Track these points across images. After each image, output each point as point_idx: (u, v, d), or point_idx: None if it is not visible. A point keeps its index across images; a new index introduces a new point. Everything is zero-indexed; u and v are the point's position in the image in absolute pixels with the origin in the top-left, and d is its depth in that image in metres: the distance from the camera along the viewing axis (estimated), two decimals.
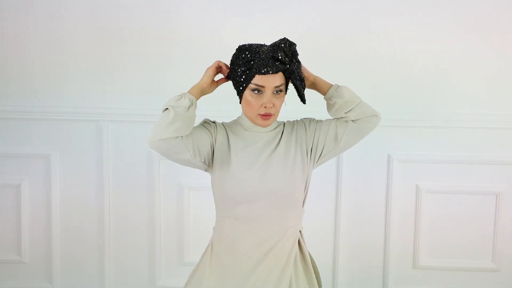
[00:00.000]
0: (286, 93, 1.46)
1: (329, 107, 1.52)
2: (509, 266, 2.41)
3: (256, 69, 1.37)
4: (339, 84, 1.51)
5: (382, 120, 2.25)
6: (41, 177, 2.41)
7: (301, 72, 1.44)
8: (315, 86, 1.53)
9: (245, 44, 1.43)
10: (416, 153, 2.35)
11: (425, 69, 2.31)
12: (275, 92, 1.40)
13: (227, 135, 1.49)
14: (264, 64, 1.36)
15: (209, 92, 1.48)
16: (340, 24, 2.29)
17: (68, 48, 2.34)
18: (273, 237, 1.45)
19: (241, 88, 1.41)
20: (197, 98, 1.43)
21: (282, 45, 1.38)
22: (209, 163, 1.47)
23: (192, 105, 1.39)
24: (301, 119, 1.56)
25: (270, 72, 1.37)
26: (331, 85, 1.51)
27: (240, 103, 1.48)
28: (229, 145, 1.47)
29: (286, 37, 1.40)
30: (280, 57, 1.37)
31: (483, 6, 2.27)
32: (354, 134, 1.48)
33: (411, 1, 2.28)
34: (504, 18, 2.27)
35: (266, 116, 1.42)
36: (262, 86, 1.39)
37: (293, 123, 1.54)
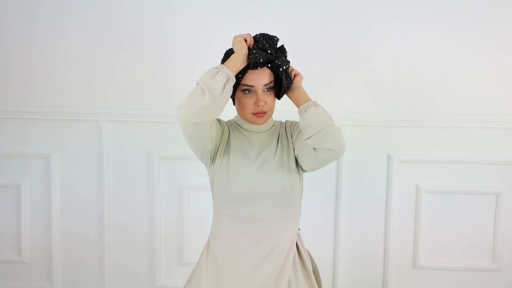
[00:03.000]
0: (275, 90, 1.47)
1: None
2: (509, 266, 2.41)
3: (244, 68, 1.38)
4: (315, 102, 1.40)
5: (382, 120, 2.30)
6: (41, 177, 2.41)
7: (288, 70, 1.42)
8: (293, 95, 1.45)
9: (230, 48, 1.44)
10: (416, 153, 2.35)
11: (425, 69, 2.31)
12: (265, 90, 1.41)
13: (229, 133, 1.50)
14: (252, 58, 1.35)
15: (245, 63, 1.37)
16: (340, 25, 2.29)
17: (68, 48, 2.34)
18: (271, 238, 1.45)
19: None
20: (235, 71, 1.34)
21: (262, 38, 1.38)
22: (212, 158, 1.48)
23: (228, 81, 1.31)
24: (295, 122, 1.55)
25: (259, 65, 1.36)
26: (307, 101, 1.41)
27: (234, 104, 1.49)
28: (230, 145, 1.48)
29: (265, 32, 1.41)
30: (265, 48, 1.37)
31: (483, 6, 2.27)
32: (313, 162, 1.39)
33: (411, 2, 2.28)
34: (503, 18, 2.27)
35: (260, 114, 1.43)
36: (252, 86, 1.40)
37: (289, 124, 1.55)
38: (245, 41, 1.38)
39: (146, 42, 2.32)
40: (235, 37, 1.38)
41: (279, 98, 1.50)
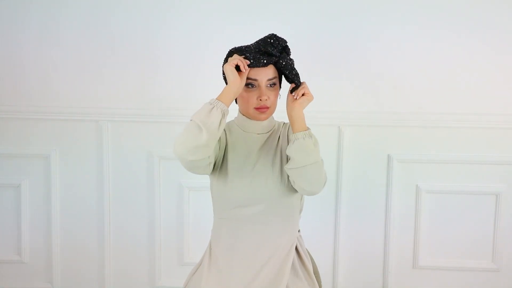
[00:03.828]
0: (280, 87, 1.46)
1: None
2: (509, 266, 2.41)
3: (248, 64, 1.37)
4: (308, 135, 1.35)
5: (382, 120, 2.30)
6: (41, 177, 2.41)
7: (294, 66, 1.41)
8: (290, 117, 1.40)
9: (234, 47, 1.44)
10: (416, 153, 2.35)
11: (425, 69, 2.31)
12: (269, 85, 1.40)
13: (226, 138, 1.49)
14: (257, 58, 1.36)
15: (240, 90, 1.36)
16: (340, 25, 2.29)
17: (68, 48, 2.34)
18: (271, 242, 1.45)
19: None
20: (229, 104, 1.33)
21: (270, 40, 1.38)
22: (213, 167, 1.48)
23: (223, 116, 1.30)
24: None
25: (260, 65, 1.36)
26: (303, 129, 1.36)
27: (236, 102, 1.48)
28: (227, 150, 1.47)
29: (274, 33, 1.40)
30: (269, 50, 1.37)
31: (483, 8, 2.27)
32: (294, 187, 1.40)
33: (411, 3, 2.28)
34: (503, 19, 2.27)
35: (262, 109, 1.41)
36: (255, 80, 1.39)
37: (289, 129, 1.52)
38: (238, 65, 1.35)
39: (146, 42, 2.32)
40: (225, 66, 1.35)
41: (290, 82, 1.44)
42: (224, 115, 1.30)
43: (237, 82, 1.34)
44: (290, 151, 1.35)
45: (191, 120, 1.30)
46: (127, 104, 2.34)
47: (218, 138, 1.32)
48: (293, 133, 1.37)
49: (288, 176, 1.43)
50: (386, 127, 2.33)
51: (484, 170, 2.35)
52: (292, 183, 1.40)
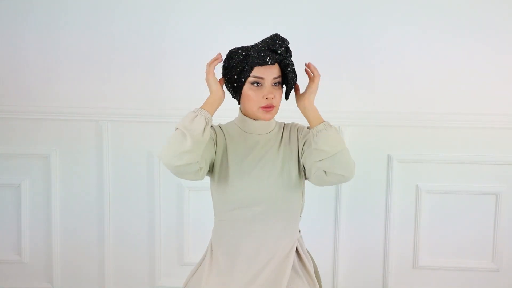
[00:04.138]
0: (282, 87, 1.46)
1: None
2: (509, 266, 2.41)
3: (254, 62, 1.37)
4: (327, 125, 1.38)
5: (382, 120, 2.30)
6: (41, 177, 2.41)
7: (294, 68, 1.43)
8: (304, 112, 1.43)
9: (235, 47, 1.44)
10: (416, 153, 2.35)
11: (425, 69, 2.31)
12: (273, 84, 1.41)
13: (225, 140, 1.48)
14: (262, 55, 1.37)
15: (223, 99, 1.41)
16: (341, 25, 2.29)
17: (68, 48, 2.34)
18: (271, 243, 1.45)
19: (240, 83, 1.41)
20: (213, 113, 1.37)
21: (275, 38, 1.39)
22: (210, 169, 1.47)
23: (207, 124, 1.33)
24: (304, 129, 1.52)
25: (269, 62, 1.37)
26: (321, 121, 1.39)
27: (238, 103, 1.48)
28: (227, 150, 1.47)
29: (278, 33, 1.41)
30: (276, 48, 1.38)
31: (482, 7, 2.27)
32: (321, 181, 1.40)
33: (411, 4, 2.28)
34: (503, 19, 2.27)
35: (268, 108, 1.41)
36: (261, 78, 1.39)
37: (295, 129, 1.52)
38: (215, 61, 1.40)
39: (146, 42, 2.32)
40: (206, 77, 1.39)
41: (286, 98, 1.49)
42: (207, 122, 1.33)
43: (219, 91, 1.38)
44: (317, 144, 1.35)
45: (176, 128, 1.33)
46: (127, 104, 2.34)
47: (204, 145, 1.34)
48: (311, 127, 1.39)
49: (296, 175, 1.44)
50: (386, 127, 2.33)
51: (484, 170, 2.35)
52: (321, 178, 1.38)
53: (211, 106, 1.37)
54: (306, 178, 1.48)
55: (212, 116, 1.36)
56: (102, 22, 2.32)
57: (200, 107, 1.35)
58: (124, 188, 2.40)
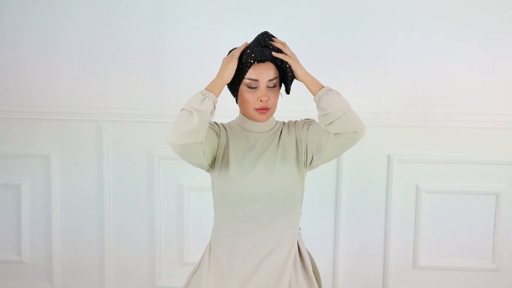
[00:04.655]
0: (280, 87, 1.46)
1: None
2: (509, 266, 2.41)
3: (249, 61, 1.38)
4: (328, 89, 1.38)
5: (382, 120, 2.30)
6: (41, 177, 2.41)
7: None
8: (304, 82, 1.43)
9: (235, 47, 1.46)
10: (416, 153, 2.35)
11: (425, 70, 2.31)
12: (269, 86, 1.41)
13: (227, 136, 1.49)
14: (255, 52, 1.38)
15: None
16: (341, 25, 2.29)
17: (68, 48, 2.34)
18: (273, 237, 1.45)
19: (235, 83, 1.42)
20: (218, 95, 1.37)
21: (265, 35, 1.41)
22: (212, 164, 1.48)
23: (215, 108, 1.34)
24: (300, 120, 1.54)
25: (262, 58, 1.38)
26: (321, 88, 1.39)
27: (237, 103, 1.49)
28: (229, 147, 1.47)
29: (267, 30, 1.43)
30: (269, 44, 1.39)
31: (482, 8, 2.27)
32: (335, 147, 1.38)
33: (412, 3, 2.28)
34: (503, 19, 2.27)
35: (263, 110, 1.41)
36: (256, 80, 1.39)
37: (293, 124, 1.54)
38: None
39: (146, 42, 2.32)
40: (228, 61, 1.40)
41: (288, 93, 1.48)
42: (215, 106, 1.35)
43: (229, 80, 1.39)
44: (321, 110, 1.35)
45: (182, 109, 1.33)
46: (127, 104, 2.34)
47: (208, 124, 1.34)
48: (314, 95, 1.38)
49: (294, 171, 1.44)
50: (386, 127, 2.33)
51: (484, 170, 2.35)
52: (334, 142, 1.36)
53: (218, 89, 1.36)
54: (312, 164, 1.47)
55: (217, 98, 1.37)
56: (102, 22, 2.32)
57: (206, 89, 1.35)
58: (124, 188, 2.40)
